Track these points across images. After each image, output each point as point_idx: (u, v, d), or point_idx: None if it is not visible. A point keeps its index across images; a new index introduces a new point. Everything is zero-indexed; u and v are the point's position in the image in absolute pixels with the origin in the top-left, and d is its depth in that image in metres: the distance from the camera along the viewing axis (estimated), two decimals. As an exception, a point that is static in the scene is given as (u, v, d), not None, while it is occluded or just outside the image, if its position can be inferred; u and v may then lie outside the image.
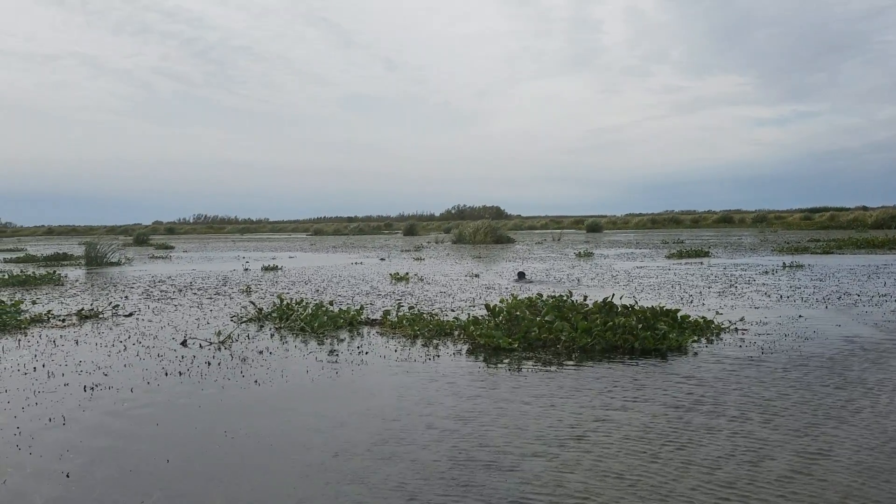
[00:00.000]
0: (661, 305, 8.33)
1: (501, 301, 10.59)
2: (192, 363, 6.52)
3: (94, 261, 23.06)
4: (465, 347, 7.17)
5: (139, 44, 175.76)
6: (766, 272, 15.53)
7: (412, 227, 57.49)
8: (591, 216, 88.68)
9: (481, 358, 6.67)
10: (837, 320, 8.54)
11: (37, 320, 9.31)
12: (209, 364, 6.44)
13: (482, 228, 36.69)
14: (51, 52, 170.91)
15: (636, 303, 8.76)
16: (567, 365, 6.31)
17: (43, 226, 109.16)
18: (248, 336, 8.01)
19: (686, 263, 19.15)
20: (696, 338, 7.55)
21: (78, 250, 30.54)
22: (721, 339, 7.50)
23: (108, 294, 12.96)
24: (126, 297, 12.50)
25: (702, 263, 18.93)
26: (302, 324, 8.46)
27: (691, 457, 3.88)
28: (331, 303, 9.44)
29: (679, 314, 8.00)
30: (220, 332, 7.85)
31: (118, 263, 23.00)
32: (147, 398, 5.26)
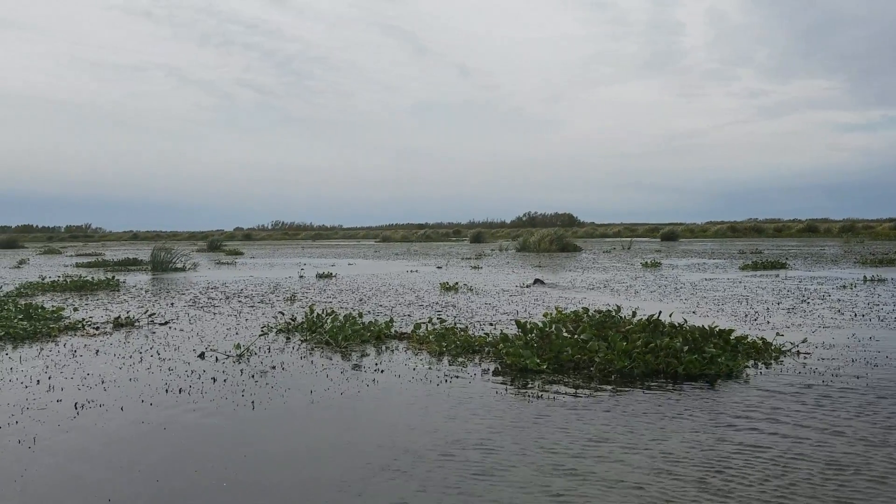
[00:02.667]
0: (714, 325, 7.58)
1: (545, 315, 10.01)
2: (198, 379, 6.20)
3: (159, 266, 23.48)
4: (492, 367, 6.63)
5: (223, 55, 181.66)
6: (844, 286, 14.37)
7: (479, 234, 57.00)
8: (668, 224, 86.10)
9: (505, 381, 6.12)
10: (917, 344, 7.62)
11: (71, 328, 9.24)
12: (214, 380, 6.11)
13: (547, 236, 35.90)
14: (139, 63, 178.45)
15: (685, 321, 8.02)
16: (597, 392, 5.70)
17: (129, 231, 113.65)
18: (268, 349, 7.68)
19: (759, 276, 18.02)
20: (751, 362, 6.81)
21: (149, 256, 31.31)
22: (781, 363, 6.73)
23: (156, 301, 12.96)
24: (172, 304, 12.45)
25: (777, 276, 17.77)
26: (327, 337, 8.08)
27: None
28: (360, 315, 9.03)
29: (733, 335, 7.25)
30: (239, 344, 7.55)
31: (182, 269, 23.34)
32: (131, 418, 4.94)
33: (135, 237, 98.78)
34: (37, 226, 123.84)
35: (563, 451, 4.17)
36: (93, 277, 17.34)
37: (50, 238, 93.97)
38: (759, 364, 6.73)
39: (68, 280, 16.17)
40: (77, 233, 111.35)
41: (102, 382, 6.08)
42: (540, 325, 7.52)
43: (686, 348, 6.52)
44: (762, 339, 7.40)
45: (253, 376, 6.29)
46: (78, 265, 26.41)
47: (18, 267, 25.98)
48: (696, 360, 6.27)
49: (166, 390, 5.76)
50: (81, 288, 15.54)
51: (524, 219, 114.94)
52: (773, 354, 7.08)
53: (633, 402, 5.34)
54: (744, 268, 20.73)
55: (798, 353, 7.17)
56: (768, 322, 9.40)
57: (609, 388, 5.82)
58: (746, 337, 7.32)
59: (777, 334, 7.78)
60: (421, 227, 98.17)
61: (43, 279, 17.00)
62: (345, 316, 8.99)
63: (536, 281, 16.54)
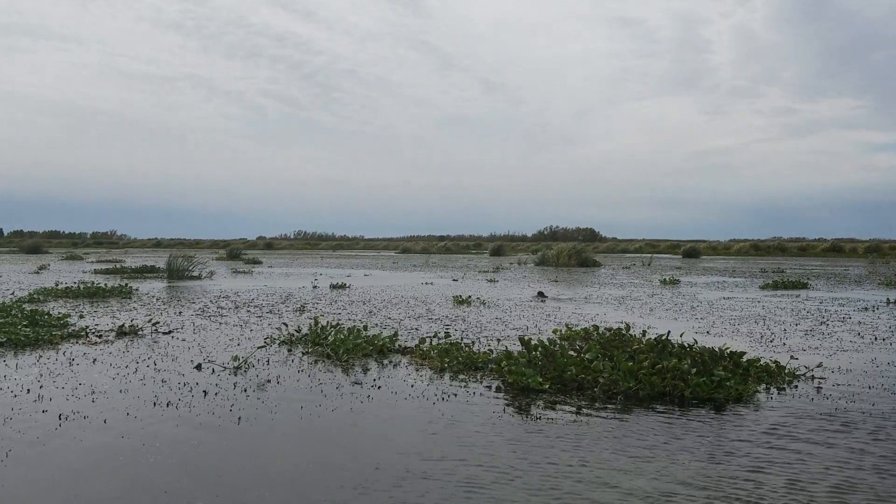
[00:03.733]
0: (725, 346, 7.32)
1: (554, 331, 9.80)
2: (190, 392, 6.06)
3: (175, 274, 23.52)
4: (493, 385, 6.42)
5: (250, 67, 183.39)
6: (867, 308, 13.97)
7: (499, 247, 56.76)
8: (691, 241, 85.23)
9: (505, 400, 5.91)
10: (940, 370, 7.29)
11: (74, 336, 9.17)
12: (206, 394, 5.96)
13: (566, 251, 35.59)
14: (168, 74, 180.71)
15: (695, 341, 7.76)
16: (598, 414, 5.47)
17: (153, 238, 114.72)
18: (268, 361, 7.53)
19: (779, 296, 17.63)
20: (764, 386, 6.54)
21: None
22: (794, 388, 6.46)
23: (165, 310, 12.89)
24: (180, 312, 12.37)
25: (797, 296, 17.37)
26: (328, 350, 7.92)
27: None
28: (364, 327, 8.86)
29: (745, 357, 6.98)
30: (237, 356, 7.40)
31: (198, 277, 23.35)
32: (113, 432, 4.79)
33: (158, 245, 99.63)
34: (63, 232, 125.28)
35: (556, 477, 3.95)
36: (106, 284, 17.36)
37: (75, 244, 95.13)
38: (772, 388, 6.46)
39: (81, 287, 16.18)
40: (102, 239, 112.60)
41: (92, 393, 5.95)
42: (545, 342, 7.29)
43: (694, 371, 6.27)
44: (776, 362, 7.12)
45: (245, 390, 6.13)
46: (96, 272, 26.55)
47: (38, 272, 26.18)
48: (704, 383, 6.02)
49: (154, 403, 5.61)
50: (94, 295, 15.54)
51: (546, 233, 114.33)
52: (787, 379, 6.80)
53: (635, 426, 5.10)
54: (764, 287, 20.31)
55: (812, 377, 6.88)
56: (784, 344, 9.09)
57: (612, 410, 5.59)
58: (759, 360, 7.05)
59: (791, 357, 7.49)
60: (442, 239, 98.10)
61: (57, 285, 17.04)
62: (348, 329, 8.82)
63: (539, 294, 17.00)
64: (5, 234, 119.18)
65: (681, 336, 8.23)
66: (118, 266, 28.74)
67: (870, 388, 6.44)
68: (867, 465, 4.25)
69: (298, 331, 9.29)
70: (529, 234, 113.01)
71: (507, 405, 5.71)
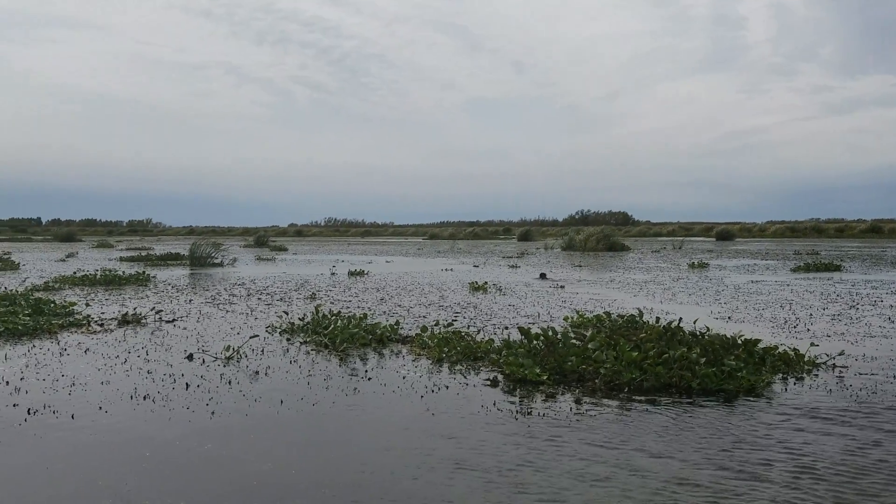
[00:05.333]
0: (740, 333, 6.90)
1: (565, 318, 9.45)
2: (172, 383, 5.84)
3: (197, 262, 23.53)
4: (490, 377, 6.09)
5: (279, 53, 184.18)
6: (901, 291, 13.34)
7: (527, 232, 56.22)
8: (725, 223, 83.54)
9: (498, 394, 5.59)
10: (974, 359, 6.80)
11: (75, 325, 9.04)
12: (187, 386, 5.73)
13: (594, 235, 35.00)
14: (198, 61, 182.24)
15: (707, 329, 7.35)
16: (596, 408, 5.12)
17: (187, 226, 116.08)
18: (262, 351, 7.30)
19: (810, 278, 17.00)
20: (780, 375, 6.13)
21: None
22: (814, 378, 6.05)
23: (176, 297, 12.77)
24: (190, 300, 12.24)
25: (829, 279, 16.73)
26: (326, 340, 7.67)
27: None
28: (364, 316, 8.58)
29: (760, 345, 6.56)
30: (229, 346, 7.18)
31: (220, 265, 23.33)
32: (77, 427, 4.58)
33: (191, 232, 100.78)
34: (100, 220, 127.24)
35: (537, 484, 3.63)
36: (124, 272, 17.35)
37: (110, 232, 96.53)
38: (789, 378, 6.06)
39: (99, 275, 16.16)
40: (137, 227, 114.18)
41: (72, 385, 5.76)
42: (547, 331, 6.94)
43: (703, 360, 5.87)
44: (794, 349, 6.69)
45: (230, 382, 5.89)
46: (121, 259, 26.71)
47: (64, 260, 26.42)
48: (713, 373, 5.64)
49: (131, 396, 5.40)
50: (110, 283, 15.51)
51: (577, 217, 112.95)
52: (806, 367, 6.37)
53: (634, 420, 4.75)
54: (795, 270, 19.64)
55: (833, 366, 6.45)
56: (808, 330, 8.62)
57: (612, 403, 5.25)
58: (776, 348, 6.62)
59: (811, 344, 7.04)
60: (471, 224, 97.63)
61: (75, 273, 17.07)
62: (348, 318, 8.55)
63: (541, 275, 17.59)
64: (44, 222, 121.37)
65: (694, 323, 7.83)
66: (143, 254, 28.89)
67: (895, 377, 6.00)
68: (884, 471, 3.85)
69: (302, 319, 9.06)
70: (560, 219, 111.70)
71: (500, 399, 5.39)
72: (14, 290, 12.70)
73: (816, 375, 6.16)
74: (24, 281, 16.14)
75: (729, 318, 9.85)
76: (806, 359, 6.55)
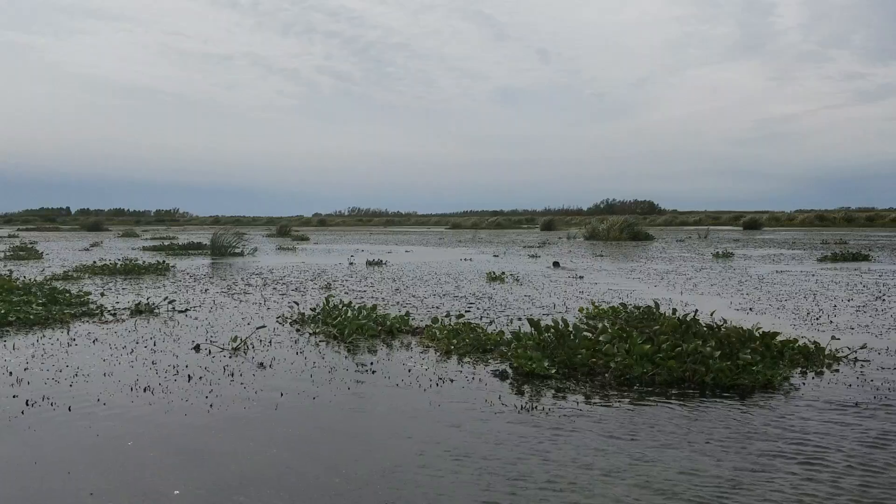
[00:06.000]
0: (757, 325, 6.68)
1: (580, 310, 9.26)
2: (175, 375, 5.76)
3: (218, 251, 23.61)
4: (500, 369, 5.94)
5: (305, 44, 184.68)
6: (932, 282, 12.94)
7: (550, 221, 55.84)
8: (753, 212, 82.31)
9: (505, 387, 5.44)
10: None
11: (88, 314, 9.03)
12: (189, 378, 5.65)
13: (617, 224, 34.61)
14: (225, 52, 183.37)
15: (724, 321, 7.12)
16: (605, 403, 4.95)
17: (213, 216, 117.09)
18: (269, 342, 7.21)
19: (837, 269, 16.60)
20: (799, 369, 5.91)
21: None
22: (834, 372, 5.82)
23: (193, 287, 12.76)
24: (206, 290, 12.22)
25: (856, 269, 16.32)
26: (334, 331, 7.56)
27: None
28: (373, 308, 8.45)
29: (778, 338, 6.34)
30: (236, 337, 7.10)
31: (241, 254, 23.38)
32: (72, 420, 4.51)
33: (216, 222, 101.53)
34: (128, 210, 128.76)
35: (534, 482, 3.48)
36: (144, 262, 17.42)
37: (138, 222, 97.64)
38: (808, 372, 5.83)
39: (118, 264, 16.23)
40: (164, 217, 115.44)
41: (75, 376, 5.71)
42: (558, 322, 6.76)
43: (718, 354, 5.67)
44: (815, 342, 6.45)
45: (233, 374, 5.80)
46: (144, 248, 26.89)
47: (88, 249, 26.67)
48: (727, 367, 5.44)
49: (132, 388, 5.33)
50: (129, 272, 15.56)
51: (602, 206, 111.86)
52: (826, 361, 6.14)
53: (643, 415, 4.58)
54: (822, 259, 19.21)
55: (855, 360, 6.21)
56: (831, 322, 8.36)
57: (621, 398, 5.08)
58: (796, 341, 6.40)
59: (832, 337, 6.80)
60: (495, 213, 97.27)
61: (95, 263, 17.16)
62: (358, 308, 8.44)
63: (555, 263, 17.96)
64: (73, 212, 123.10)
65: (711, 314, 7.61)
66: (166, 243, 29.09)
67: (920, 374, 5.75)
68: (902, 470, 3.65)
69: (314, 310, 8.97)
70: (585, 208, 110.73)
71: (506, 393, 5.24)
72: (32, 279, 12.78)
73: (837, 370, 5.93)
74: (44, 270, 16.27)
75: (750, 309, 9.59)
76: (826, 352, 6.31)
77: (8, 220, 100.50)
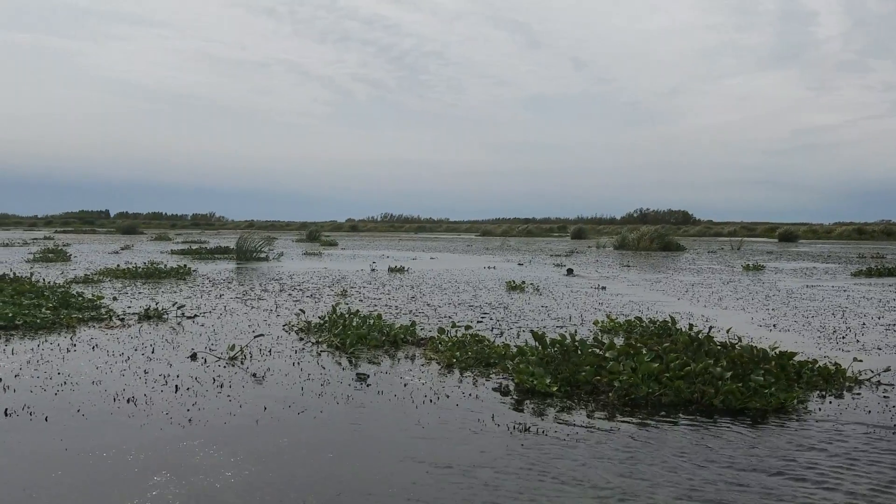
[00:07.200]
0: (775, 345, 6.33)
1: (595, 322, 8.97)
2: (163, 385, 5.61)
3: (244, 255, 23.64)
4: (501, 385, 5.70)
5: (340, 51, 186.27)
6: (971, 300, 12.35)
7: (580, 230, 55.26)
8: (790, 224, 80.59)
9: (503, 405, 5.19)
10: None
11: (96, 319, 8.98)
12: (177, 389, 5.49)
13: (647, 234, 34.04)
14: (261, 59, 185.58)
15: (739, 339, 6.78)
16: (606, 426, 4.68)
17: (247, 220, 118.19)
18: (269, 351, 7.05)
19: (871, 284, 16.00)
20: (817, 392, 5.57)
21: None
22: (855, 396, 5.47)
23: (210, 292, 12.70)
24: (221, 295, 12.14)
25: (892, 285, 15.71)
26: (337, 341, 7.37)
27: None
28: (378, 317, 8.24)
29: (796, 359, 5.99)
30: (233, 345, 6.94)
31: (266, 259, 23.40)
32: (47, 431, 4.37)
33: (250, 226, 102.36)
34: (165, 213, 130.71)
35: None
36: (166, 265, 17.47)
37: (174, 225, 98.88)
38: (827, 396, 5.49)
39: (140, 268, 16.27)
40: (200, 221, 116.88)
41: (63, 384, 5.59)
42: (562, 337, 6.49)
43: (729, 374, 5.35)
44: (836, 364, 6.09)
45: (222, 385, 5.64)
46: (172, 252, 27.06)
47: (117, 252, 26.93)
48: (738, 389, 5.12)
49: (115, 398, 5.18)
50: (150, 276, 15.59)
51: (635, 215, 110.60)
52: (846, 384, 5.78)
53: (643, 440, 4.29)
54: (856, 274, 18.57)
55: (878, 383, 5.83)
56: (858, 341, 7.95)
57: (624, 420, 4.80)
58: (815, 362, 6.04)
59: (855, 359, 6.42)
60: (526, 221, 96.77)
61: (118, 266, 17.24)
62: (363, 317, 8.24)
63: (569, 270, 18.44)
64: (112, 215, 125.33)
65: (727, 331, 7.26)
66: (195, 247, 29.29)
67: (949, 401, 5.37)
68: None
69: (322, 318, 8.80)
70: (618, 217, 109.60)
71: (501, 412, 4.99)
72: (51, 282, 12.83)
73: (858, 394, 5.57)
74: (66, 273, 16.38)
75: (773, 325, 9.19)
76: (848, 374, 5.95)
77: (48, 222, 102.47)
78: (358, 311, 8.81)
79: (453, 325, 7.87)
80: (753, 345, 6.35)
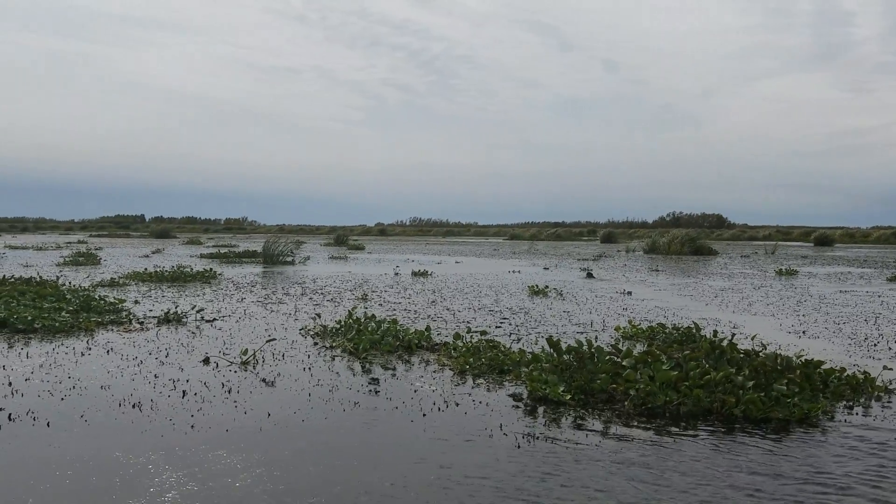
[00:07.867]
0: (800, 353, 6.09)
1: (617, 328, 8.76)
2: (172, 390, 5.55)
3: (270, 259, 23.74)
4: (513, 394, 5.55)
5: (371, 56, 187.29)
6: None
7: (610, 234, 54.73)
8: (826, 227, 78.98)
9: (514, 414, 5.04)
10: None
11: (115, 322, 9.00)
12: (184, 394, 5.43)
13: (678, 238, 33.52)
14: (293, 65, 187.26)
15: (764, 346, 6.54)
16: (619, 435, 4.50)
17: (279, 224, 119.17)
18: (282, 355, 6.97)
19: (908, 288, 15.50)
20: (844, 402, 5.33)
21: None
22: (885, 406, 5.22)
23: (232, 296, 12.71)
24: (242, 299, 12.14)
25: (931, 289, 15.21)
26: (350, 346, 7.28)
27: None
28: (394, 321, 8.14)
29: (823, 367, 5.74)
30: (246, 350, 6.87)
31: (292, 263, 23.47)
32: (47, 438, 4.32)
33: (281, 230, 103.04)
34: (199, 218, 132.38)
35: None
36: (192, 268, 17.56)
37: (206, 230, 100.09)
38: (856, 406, 5.25)
39: (166, 272, 16.38)
40: (233, 225, 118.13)
41: (72, 389, 5.56)
42: (578, 343, 6.31)
43: (751, 384, 5.14)
44: (865, 373, 5.83)
45: (230, 391, 5.56)
46: (202, 255, 27.28)
47: (147, 256, 27.22)
48: (759, 399, 4.91)
49: (121, 404, 5.13)
50: (176, 279, 15.67)
51: (668, 219, 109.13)
52: (875, 394, 5.52)
53: (657, 452, 4.11)
54: (892, 279, 18.03)
55: (910, 395, 5.57)
56: (890, 349, 7.65)
57: (639, 430, 4.62)
58: (843, 370, 5.79)
59: (885, 367, 6.15)
60: (555, 225, 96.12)
61: (145, 269, 17.38)
62: (379, 321, 8.14)
63: (588, 274, 18.57)
64: (147, 220, 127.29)
65: (752, 339, 7.02)
66: (224, 251, 29.51)
67: (985, 414, 5.09)
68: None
69: (338, 322, 8.72)
70: (650, 221, 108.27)
71: (511, 421, 4.83)
72: (77, 286, 12.94)
73: (889, 404, 5.32)
74: (93, 276, 16.54)
75: (803, 332, 8.90)
76: (877, 383, 5.69)
77: (84, 226, 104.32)
78: (374, 315, 8.71)
79: (468, 331, 7.73)
80: (778, 353, 6.11)
